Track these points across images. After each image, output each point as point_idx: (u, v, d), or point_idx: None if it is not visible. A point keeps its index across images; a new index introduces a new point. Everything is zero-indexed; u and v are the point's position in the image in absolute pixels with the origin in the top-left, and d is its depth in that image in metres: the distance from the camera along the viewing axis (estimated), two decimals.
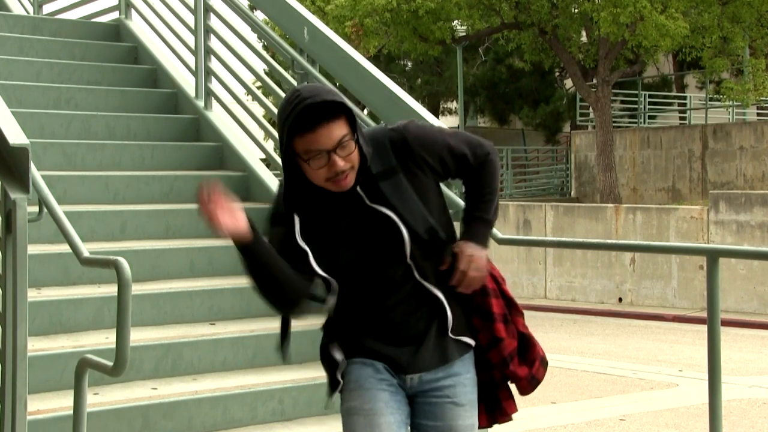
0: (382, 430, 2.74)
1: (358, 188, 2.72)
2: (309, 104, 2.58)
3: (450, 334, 2.81)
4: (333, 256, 2.74)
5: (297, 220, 2.73)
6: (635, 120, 24.16)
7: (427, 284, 2.77)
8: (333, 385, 2.85)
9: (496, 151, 2.90)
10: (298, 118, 2.60)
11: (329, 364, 2.85)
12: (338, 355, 2.81)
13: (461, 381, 2.84)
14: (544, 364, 2.95)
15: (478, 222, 2.86)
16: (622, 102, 24.96)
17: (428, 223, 2.76)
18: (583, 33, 20.83)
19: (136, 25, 7.93)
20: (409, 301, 2.78)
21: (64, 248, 4.31)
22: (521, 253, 16.87)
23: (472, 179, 2.88)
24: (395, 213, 2.72)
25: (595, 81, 20.50)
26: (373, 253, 2.74)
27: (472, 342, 2.86)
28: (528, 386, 2.93)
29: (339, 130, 2.62)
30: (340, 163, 2.63)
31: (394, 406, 2.78)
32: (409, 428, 2.84)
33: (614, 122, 21.86)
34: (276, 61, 7.25)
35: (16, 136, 3.56)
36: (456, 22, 21.49)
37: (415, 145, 2.77)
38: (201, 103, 6.90)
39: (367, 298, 2.78)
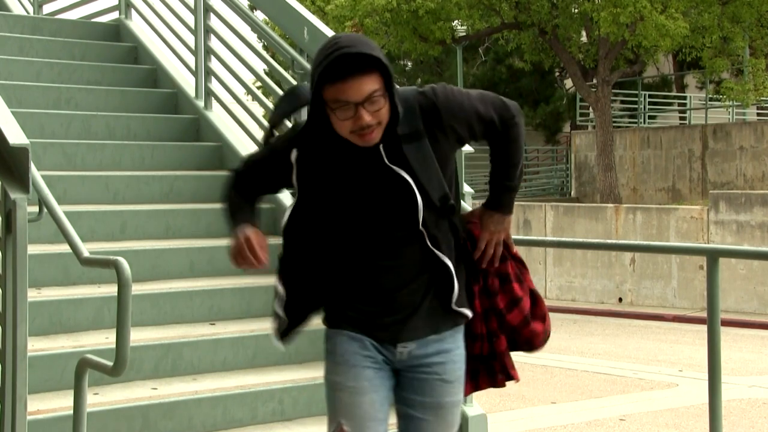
0: (365, 408, 2.74)
1: (381, 146, 2.68)
2: (344, 54, 2.54)
3: (453, 306, 2.80)
4: (335, 206, 2.73)
5: (294, 155, 2.73)
6: (635, 120, 24.16)
7: (438, 252, 2.75)
8: (280, 320, 2.87)
9: (521, 112, 2.87)
10: (331, 66, 2.55)
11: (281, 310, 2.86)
12: (281, 289, 2.84)
13: (452, 357, 2.83)
14: (548, 318, 3.02)
15: (504, 190, 2.88)
16: (622, 102, 24.96)
17: (443, 190, 2.74)
18: (583, 33, 20.83)
19: (136, 25, 7.93)
20: (407, 268, 2.75)
21: (64, 248, 4.31)
22: (521, 253, 16.77)
23: (498, 144, 2.85)
24: (413, 177, 2.69)
25: (595, 81, 20.50)
26: (381, 214, 2.72)
27: (469, 314, 2.86)
28: (544, 341, 2.97)
29: (370, 84, 2.58)
30: (367, 117, 2.58)
31: (377, 383, 2.78)
32: (389, 404, 2.84)
33: (614, 122, 21.85)
34: (276, 61, 7.25)
35: (16, 136, 3.56)
36: (456, 22, 21.48)
37: (444, 113, 2.73)
38: (201, 103, 6.90)
39: (362, 258, 2.76)
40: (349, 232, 2.75)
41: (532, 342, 2.94)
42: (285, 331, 2.89)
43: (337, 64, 2.54)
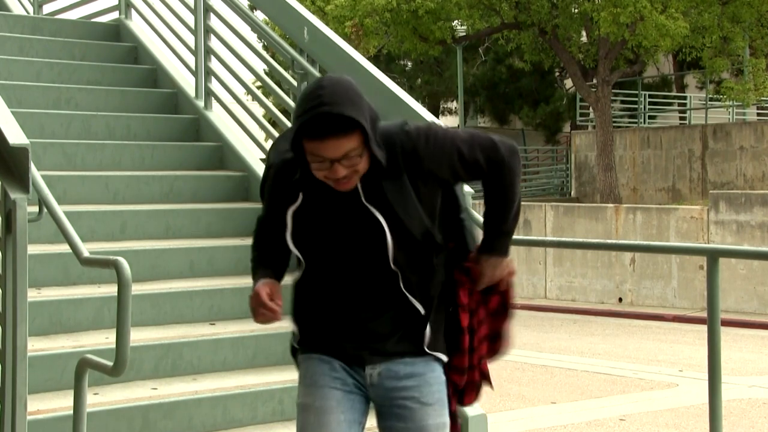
0: (332, 428, 2.72)
1: (359, 184, 2.66)
2: (325, 112, 2.51)
3: (426, 349, 2.77)
4: (316, 238, 2.72)
5: (300, 197, 2.70)
6: (635, 120, 24.16)
7: (410, 296, 2.72)
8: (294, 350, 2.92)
9: (516, 150, 2.79)
10: (311, 123, 2.53)
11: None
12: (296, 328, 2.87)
13: (426, 380, 2.79)
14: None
15: (497, 234, 2.82)
16: (622, 102, 24.96)
17: (424, 227, 2.70)
18: (583, 33, 20.83)
19: (136, 25, 7.93)
20: (380, 303, 2.74)
21: (64, 248, 4.31)
22: (521, 253, 16.87)
23: (488, 186, 2.79)
24: (389, 215, 2.66)
25: (595, 81, 20.50)
26: (356, 249, 2.71)
27: (444, 358, 2.82)
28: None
29: (349, 143, 2.55)
30: (342, 172, 2.57)
31: (346, 405, 2.75)
32: (362, 428, 2.82)
33: (614, 122, 21.85)
34: (276, 61, 7.25)
35: (16, 136, 3.56)
36: (456, 22, 21.49)
37: (425, 158, 2.68)
38: (201, 103, 6.90)
39: (336, 288, 2.76)
40: (326, 261, 2.75)
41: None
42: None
43: (318, 121, 2.52)
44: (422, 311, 2.74)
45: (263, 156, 6.77)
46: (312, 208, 2.71)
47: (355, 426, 2.77)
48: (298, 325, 2.85)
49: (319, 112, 2.51)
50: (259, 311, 2.76)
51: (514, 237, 2.90)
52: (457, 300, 2.83)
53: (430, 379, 2.80)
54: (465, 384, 2.91)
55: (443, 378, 2.83)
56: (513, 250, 2.91)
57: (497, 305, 2.92)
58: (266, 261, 2.87)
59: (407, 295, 2.72)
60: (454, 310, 2.83)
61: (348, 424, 2.75)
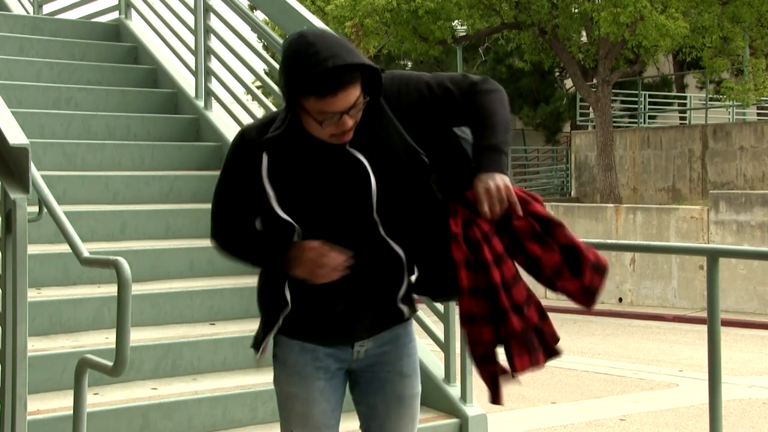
0: (317, 418, 2.73)
1: None
2: (332, 66, 2.41)
3: (398, 303, 2.72)
4: (299, 200, 2.61)
5: (265, 159, 2.60)
6: (635, 120, 24.16)
7: (390, 242, 2.63)
8: (269, 328, 2.72)
9: (492, 82, 2.64)
10: (319, 81, 2.43)
11: (275, 303, 2.70)
12: (288, 296, 2.67)
13: (407, 351, 2.80)
14: (599, 270, 2.55)
15: (484, 150, 2.57)
16: (622, 102, 24.96)
17: (410, 147, 2.59)
18: (583, 33, 20.83)
19: (136, 25, 7.93)
20: (364, 260, 2.64)
21: (64, 248, 4.31)
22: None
23: (467, 114, 2.62)
24: (371, 157, 2.58)
25: (595, 81, 20.50)
26: (337, 205, 2.61)
27: (407, 312, 2.76)
28: (583, 298, 2.58)
29: (355, 91, 2.48)
30: (350, 122, 2.51)
31: (328, 393, 2.75)
32: (341, 408, 2.81)
33: (614, 122, 21.85)
34: (276, 61, 7.25)
35: (16, 136, 3.56)
36: (456, 22, 21.50)
37: (403, 97, 2.61)
38: (201, 103, 6.90)
39: (332, 238, 2.63)
40: (313, 223, 2.63)
41: (572, 299, 2.59)
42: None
43: (326, 78, 2.43)
44: (402, 255, 2.64)
45: None
46: (282, 170, 2.60)
47: (337, 409, 2.79)
48: (275, 310, 2.71)
49: (327, 68, 2.42)
50: (333, 262, 2.56)
51: None
52: (450, 230, 2.56)
53: (410, 349, 2.82)
54: (496, 339, 2.56)
55: (416, 346, 2.84)
56: None
57: (530, 228, 2.54)
58: (265, 235, 2.69)
59: (388, 241, 2.62)
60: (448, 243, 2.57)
61: (331, 411, 2.76)
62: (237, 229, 2.71)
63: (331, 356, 2.75)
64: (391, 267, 2.68)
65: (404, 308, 2.76)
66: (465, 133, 2.70)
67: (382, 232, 2.63)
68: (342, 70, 2.44)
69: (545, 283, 2.58)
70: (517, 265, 2.59)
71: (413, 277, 2.76)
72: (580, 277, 2.54)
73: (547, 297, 18.41)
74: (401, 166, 2.61)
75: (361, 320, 2.73)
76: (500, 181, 2.52)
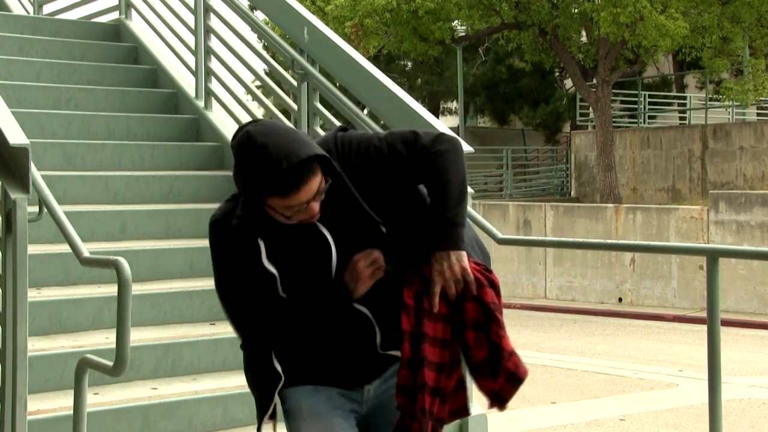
0: None
1: None
2: (288, 167, 2.40)
3: (379, 350, 2.69)
4: (290, 273, 2.62)
5: (262, 244, 2.58)
6: (635, 120, 24.16)
7: (355, 304, 2.63)
8: (265, 407, 2.68)
9: (446, 138, 2.61)
10: (279, 182, 2.42)
11: (267, 381, 2.68)
12: (279, 368, 2.67)
13: None
14: (513, 380, 2.66)
15: (441, 225, 2.57)
16: (622, 102, 24.97)
17: (366, 215, 2.59)
18: (583, 33, 20.83)
19: (136, 25, 7.93)
20: (358, 321, 2.66)
21: (64, 248, 4.31)
22: (521, 253, 16.87)
23: (419, 176, 2.61)
24: (331, 230, 2.60)
25: (595, 81, 20.50)
26: (314, 269, 2.61)
27: (398, 354, 2.70)
28: (491, 401, 2.68)
29: (317, 180, 2.48)
30: (316, 207, 2.52)
31: (345, 428, 2.70)
32: None
33: (614, 122, 21.85)
34: (276, 61, 7.25)
35: (16, 136, 3.56)
36: (456, 22, 21.49)
37: (354, 161, 2.60)
38: (201, 103, 6.90)
39: (314, 314, 2.65)
40: (299, 294, 2.65)
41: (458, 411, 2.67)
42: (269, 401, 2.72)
43: (286, 178, 2.42)
44: (368, 315, 2.64)
45: None
46: (275, 250, 2.60)
47: None
48: (269, 386, 2.68)
49: (283, 169, 2.41)
50: (377, 262, 2.56)
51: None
52: (402, 300, 2.60)
53: None
54: (412, 407, 2.61)
55: None
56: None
57: (476, 315, 2.61)
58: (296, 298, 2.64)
59: (354, 304, 2.62)
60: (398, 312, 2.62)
61: None
62: (267, 308, 2.65)
63: (343, 396, 2.73)
64: (361, 324, 2.66)
65: (392, 353, 2.71)
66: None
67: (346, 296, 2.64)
68: (299, 166, 2.43)
69: (470, 370, 2.66)
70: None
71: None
72: (495, 380, 2.62)
73: (547, 297, 18.27)
74: (360, 236, 2.61)
75: (360, 367, 2.72)
76: (455, 261, 2.56)
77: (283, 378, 2.67)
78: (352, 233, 2.61)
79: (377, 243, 2.62)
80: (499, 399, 2.66)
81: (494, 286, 2.64)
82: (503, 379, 2.64)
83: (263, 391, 2.71)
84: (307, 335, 2.68)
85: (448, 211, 2.56)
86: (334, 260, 2.60)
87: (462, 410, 2.70)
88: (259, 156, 2.43)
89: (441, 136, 2.62)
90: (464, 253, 2.59)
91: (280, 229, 2.59)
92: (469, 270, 2.59)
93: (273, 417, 2.72)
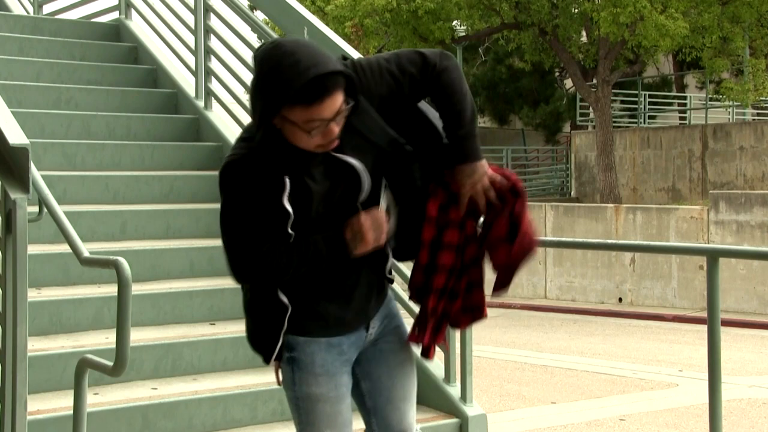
0: (344, 415, 2.76)
1: None
2: (316, 75, 2.42)
3: (387, 274, 2.80)
4: (305, 212, 2.62)
5: (288, 181, 2.56)
6: (635, 120, 24.17)
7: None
8: (272, 345, 2.71)
9: (446, 54, 2.69)
10: (305, 89, 2.42)
11: (273, 316, 2.69)
12: (285, 299, 2.67)
13: (399, 321, 2.90)
14: (524, 246, 2.74)
15: (459, 139, 2.67)
16: (622, 102, 24.97)
17: (390, 137, 2.66)
18: (583, 33, 20.84)
19: (136, 25, 7.93)
20: (364, 263, 2.73)
21: (64, 248, 4.31)
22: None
23: (431, 94, 2.70)
24: (358, 158, 2.62)
25: (595, 81, 20.51)
26: (338, 201, 2.64)
27: (392, 278, 2.86)
28: (499, 281, 2.79)
29: (340, 97, 2.49)
30: (336, 130, 2.52)
31: (349, 384, 2.80)
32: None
33: (614, 122, 21.86)
34: None
35: (16, 136, 3.56)
36: (456, 22, 21.50)
37: (370, 84, 2.64)
38: (201, 103, 6.90)
39: (332, 261, 2.68)
40: (315, 229, 2.65)
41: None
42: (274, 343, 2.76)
43: (311, 86, 2.43)
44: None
45: None
46: (298, 188, 2.59)
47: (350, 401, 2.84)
48: (277, 315, 2.69)
49: (311, 77, 2.41)
50: (373, 222, 2.61)
51: None
52: (426, 212, 2.72)
53: (399, 317, 2.91)
54: (437, 309, 2.78)
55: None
56: None
57: (504, 232, 2.72)
58: (301, 240, 2.64)
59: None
60: (421, 222, 2.73)
61: (350, 404, 2.80)
62: (275, 248, 2.62)
63: (353, 345, 2.79)
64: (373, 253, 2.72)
65: (390, 278, 2.85)
66: (427, 107, 2.79)
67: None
68: (325, 77, 2.44)
69: (481, 244, 2.77)
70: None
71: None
72: (511, 246, 2.72)
73: (547, 297, 18.28)
74: (387, 159, 2.68)
75: (369, 298, 2.77)
76: (481, 171, 2.70)
77: (290, 308, 2.69)
78: (379, 158, 2.66)
79: (403, 163, 2.69)
80: (508, 274, 2.75)
81: (514, 180, 2.77)
82: (517, 246, 2.72)
83: (270, 328, 2.72)
84: (316, 270, 2.68)
85: (466, 124, 2.67)
86: (366, 187, 2.64)
87: (477, 309, 2.82)
88: (288, 61, 2.43)
89: (443, 53, 2.70)
90: (486, 162, 2.72)
91: (306, 164, 2.59)
92: (495, 176, 2.73)
93: (278, 358, 2.77)
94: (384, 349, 2.85)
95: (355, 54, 5.79)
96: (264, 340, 2.75)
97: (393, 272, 2.87)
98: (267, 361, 2.77)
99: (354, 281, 2.73)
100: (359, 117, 2.60)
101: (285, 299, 2.69)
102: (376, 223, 2.62)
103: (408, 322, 2.97)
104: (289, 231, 2.61)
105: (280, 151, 2.56)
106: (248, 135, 2.62)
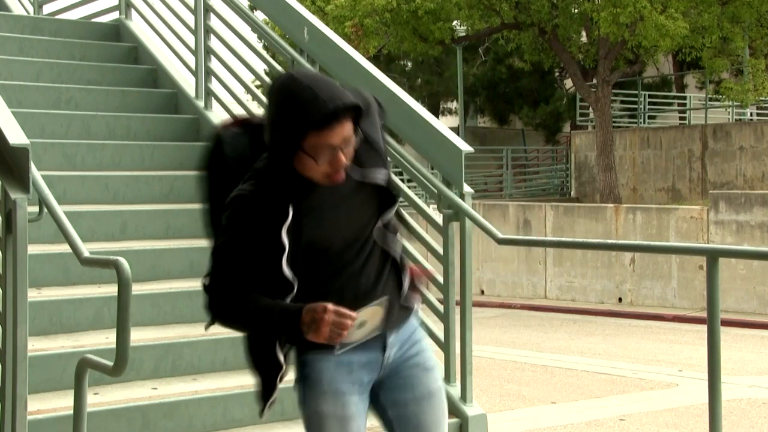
0: None
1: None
2: (336, 107, 2.54)
3: (402, 302, 2.84)
4: (312, 243, 2.67)
5: (291, 211, 2.64)
6: (635, 120, 24.17)
7: (386, 247, 2.81)
8: (269, 392, 2.77)
9: None
10: (320, 116, 2.54)
11: (269, 366, 2.75)
12: (281, 357, 2.74)
13: (423, 346, 2.90)
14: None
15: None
16: (622, 102, 24.97)
17: (388, 173, 2.80)
18: (583, 33, 20.84)
19: (136, 25, 7.93)
20: (372, 264, 2.78)
21: (64, 248, 4.30)
22: (521, 253, 16.86)
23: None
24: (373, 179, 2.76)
25: (595, 81, 20.50)
26: (350, 231, 2.73)
27: (416, 307, 2.91)
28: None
29: (349, 127, 2.61)
30: (343, 159, 2.61)
31: (361, 408, 2.79)
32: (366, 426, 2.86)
33: (614, 122, 21.85)
34: (276, 61, 7.25)
35: (16, 136, 3.56)
36: (456, 22, 21.50)
37: (373, 116, 2.82)
38: (201, 103, 6.90)
39: (338, 271, 2.73)
40: (323, 262, 2.72)
41: None
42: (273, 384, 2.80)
43: (327, 113, 2.54)
44: (399, 259, 2.83)
45: None
46: (302, 216, 2.66)
47: (364, 425, 2.82)
48: (271, 373, 2.76)
49: (333, 109, 2.53)
50: (345, 323, 2.58)
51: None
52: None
53: (425, 344, 2.91)
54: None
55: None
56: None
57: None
58: (268, 298, 2.71)
59: (387, 248, 2.80)
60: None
61: (363, 427, 2.80)
62: (245, 295, 2.74)
63: (364, 368, 2.79)
64: (394, 270, 2.83)
65: (409, 305, 2.87)
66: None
67: (379, 242, 2.79)
68: (340, 108, 2.56)
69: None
70: None
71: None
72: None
73: (547, 297, 18.27)
74: (390, 194, 2.82)
75: (387, 318, 2.78)
76: None
77: (284, 367, 2.74)
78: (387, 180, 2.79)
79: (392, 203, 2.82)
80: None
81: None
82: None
83: (266, 377, 2.78)
84: (328, 289, 2.72)
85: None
86: (382, 210, 2.77)
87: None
88: (303, 91, 2.56)
89: None
90: None
91: (311, 193, 2.67)
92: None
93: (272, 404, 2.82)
94: (408, 375, 2.85)
95: (355, 54, 5.79)
96: (259, 391, 2.80)
97: (412, 300, 2.89)
98: (263, 405, 2.81)
99: (366, 298, 2.74)
100: (368, 153, 2.75)
101: (281, 357, 2.74)
102: (339, 324, 2.58)
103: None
104: (285, 269, 2.64)
105: (287, 180, 2.65)
106: (249, 179, 2.70)
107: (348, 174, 2.68)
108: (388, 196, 2.78)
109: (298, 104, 2.55)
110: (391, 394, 2.85)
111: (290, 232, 2.64)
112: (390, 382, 2.85)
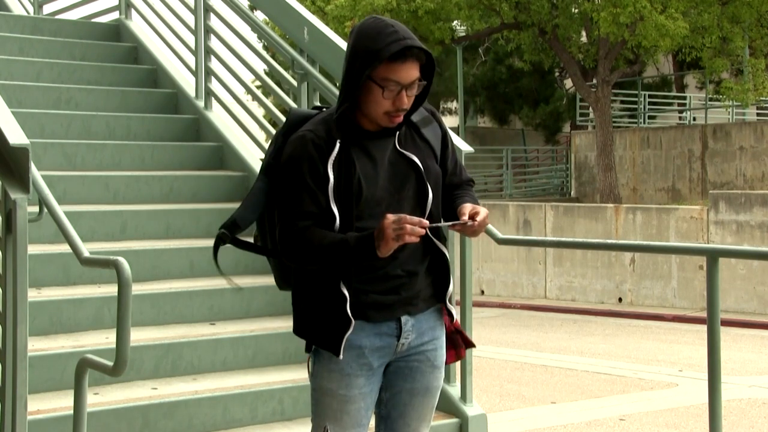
0: (352, 415, 2.84)
1: (397, 133, 2.85)
2: (410, 45, 2.70)
3: (447, 303, 2.95)
4: (354, 190, 2.76)
5: (337, 146, 2.78)
6: (635, 120, 24.17)
7: (437, 242, 2.89)
8: (345, 324, 2.78)
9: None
10: (395, 48, 2.70)
11: (334, 301, 2.79)
12: (345, 290, 2.79)
13: (440, 343, 2.97)
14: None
15: (468, 189, 3.03)
16: (622, 102, 24.97)
17: (437, 170, 2.90)
18: (583, 33, 20.83)
19: (136, 25, 7.93)
20: (413, 256, 2.84)
21: (64, 248, 4.31)
22: (521, 253, 16.87)
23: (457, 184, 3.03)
24: (421, 160, 2.86)
25: (595, 81, 20.50)
26: (395, 195, 2.81)
27: (454, 312, 2.99)
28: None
29: (417, 71, 2.77)
30: (406, 101, 2.76)
31: (366, 390, 2.85)
32: (373, 408, 2.92)
33: (614, 122, 21.85)
34: (276, 61, 7.25)
35: (16, 136, 3.56)
36: (456, 22, 21.49)
37: (438, 126, 2.98)
38: (201, 103, 6.90)
39: (377, 217, 2.76)
40: (362, 216, 2.78)
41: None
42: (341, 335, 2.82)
43: (402, 48, 2.70)
44: (446, 254, 2.91)
45: (263, 156, 6.75)
46: (349, 154, 2.77)
47: (371, 409, 2.89)
48: (337, 305, 2.79)
49: (406, 45, 2.70)
50: (412, 226, 2.65)
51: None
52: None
53: (442, 342, 2.97)
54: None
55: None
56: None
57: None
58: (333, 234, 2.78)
59: (435, 240, 2.87)
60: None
61: (366, 410, 2.86)
62: (316, 230, 2.77)
63: (375, 352, 2.84)
64: (437, 265, 2.93)
65: (449, 308, 2.97)
66: None
67: (429, 233, 2.84)
68: (414, 47, 2.74)
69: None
70: None
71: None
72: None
73: (547, 297, 18.27)
74: (436, 182, 2.92)
75: (410, 302, 2.85)
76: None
77: (349, 299, 2.79)
78: (432, 163, 2.90)
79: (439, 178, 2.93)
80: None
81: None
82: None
83: (334, 312, 2.81)
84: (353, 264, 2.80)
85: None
86: (430, 192, 2.85)
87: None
88: (385, 27, 2.75)
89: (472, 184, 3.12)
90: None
91: (362, 138, 2.81)
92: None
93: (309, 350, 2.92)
94: (414, 368, 2.92)
95: None
96: (315, 333, 2.85)
97: (451, 300, 2.99)
98: (337, 352, 2.82)
99: (394, 282, 2.83)
100: (430, 129, 2.92)
101: (346, 291, 2.79)
102: (399, 221, 2.65)
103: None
104: (333, 208, 2.74)
105: (341, 123, 2.80)
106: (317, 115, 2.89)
107: (393, 144, 2.82)
108: (422, 184, 2.85)
109: (378, 34, 2.72)
110: (392, 377, 2.92)
111: (335, 168, 2.76)
112: (394, 368, 2.92)
